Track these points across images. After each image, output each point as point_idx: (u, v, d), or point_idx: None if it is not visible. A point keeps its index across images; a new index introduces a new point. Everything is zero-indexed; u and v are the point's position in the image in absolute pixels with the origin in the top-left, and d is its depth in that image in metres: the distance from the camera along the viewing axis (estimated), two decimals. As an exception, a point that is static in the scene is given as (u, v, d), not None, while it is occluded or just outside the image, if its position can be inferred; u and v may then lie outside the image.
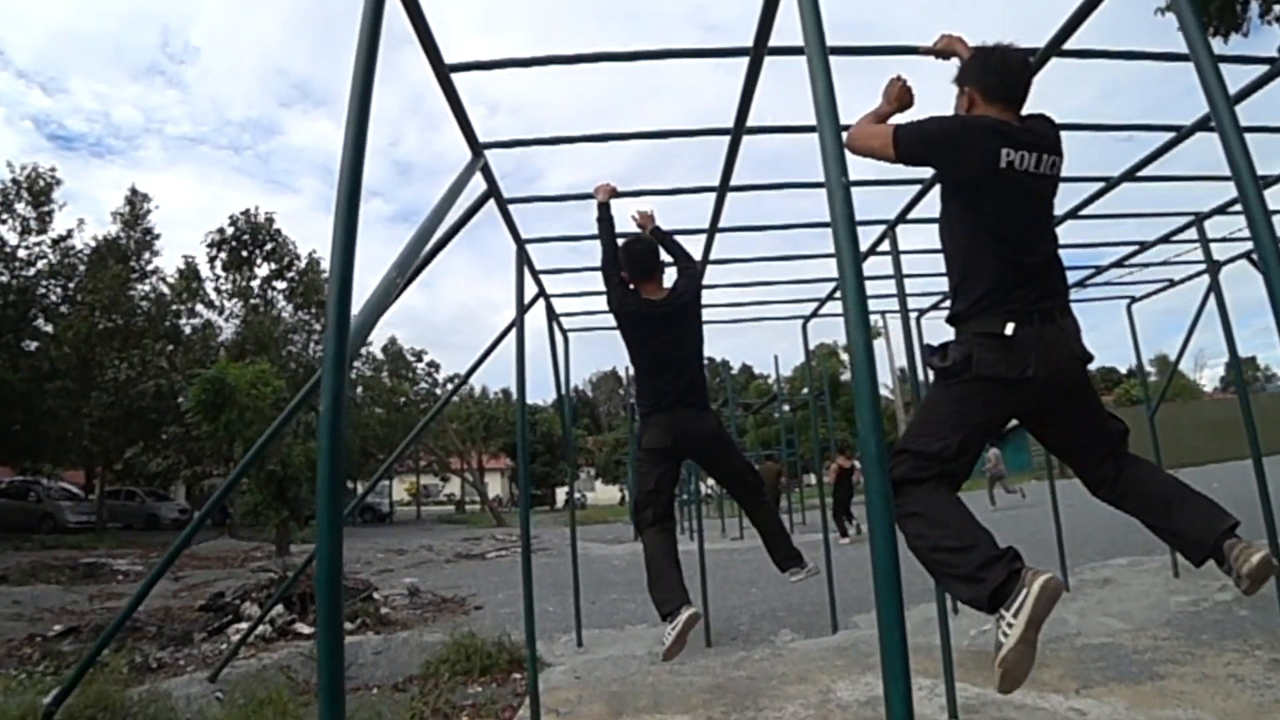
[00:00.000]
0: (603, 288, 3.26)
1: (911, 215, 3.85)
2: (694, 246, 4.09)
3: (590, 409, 56.56)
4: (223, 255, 21.50)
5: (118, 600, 8.50)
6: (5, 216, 17.83)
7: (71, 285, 18.81)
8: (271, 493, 11.42)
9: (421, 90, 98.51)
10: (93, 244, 19.34)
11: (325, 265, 20.02)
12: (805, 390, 21.16)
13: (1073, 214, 4.06)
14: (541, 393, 39.00)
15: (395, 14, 1.85)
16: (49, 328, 18.89)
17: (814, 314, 5.96)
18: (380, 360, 29.05)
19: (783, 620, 6.01)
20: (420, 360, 30.50)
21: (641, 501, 2.98)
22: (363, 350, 26.71)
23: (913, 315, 4.97)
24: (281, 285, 22.22)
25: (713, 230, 3.97)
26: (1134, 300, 6.92)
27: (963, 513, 1.72)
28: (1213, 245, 4.70)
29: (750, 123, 2.88)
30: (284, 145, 75.89)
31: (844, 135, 1.53)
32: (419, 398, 27.99)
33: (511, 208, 3.58)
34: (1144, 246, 5.04)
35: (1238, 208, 4.29)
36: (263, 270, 21.94)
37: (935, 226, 2.01)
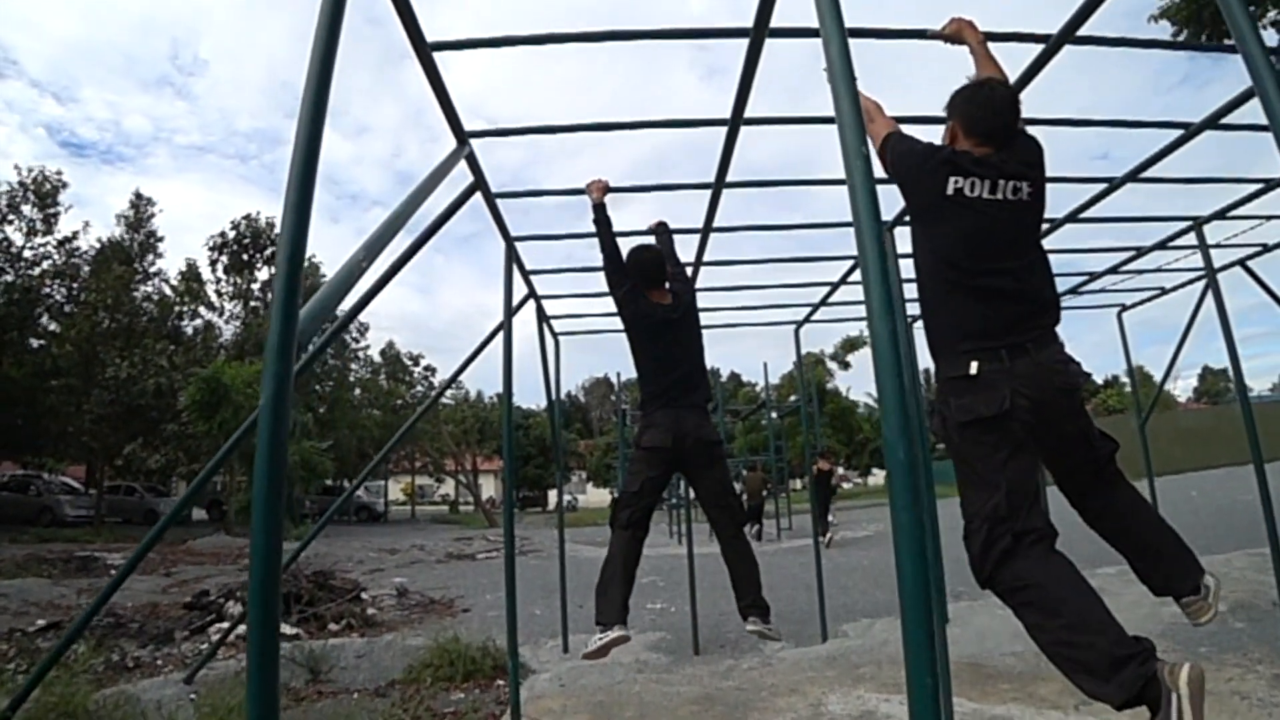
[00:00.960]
0: (597, 290, 3.19)
1: (908, 218, 3.78)
2: (687, 249, 4.07)
3: (582, 414, 56.53)
4: (224, 259, 21.85)
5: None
6: (12, 218, 18.10)
7: (76, 285, 19.09)
8: (263, 491, 11.33)
9: (420, 105, 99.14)
10: (97, 246, 19.62)
11: (325, 268, 20.09)
12: (793, 397, 21.18)
13: (1070, 219, 4.00)
14: (534, 397, 38.88)
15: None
16: (53, 326, 19.20)
17: (807, 319, 5.89)
18: (378, 363, 29.14)
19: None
20: (417, 364, 30.77)
21: (623, 501, 2.93)
22: (360, 353, 26.84)
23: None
24: (281, 288, 22.41)
25: (706, 230, 3.90)
26: (1125, 308, 6.84)
27: (1077, 591, 1.56)
28: (1212, 251, 4.63)
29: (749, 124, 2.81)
30: (289, 155, 76.36)
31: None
32: (415, 400, 28.10)
33: (506, 215, 3.58)
34: (1140, 252, 4.93)
35: (1237, 212, 4.24)
36: (263, 273, 22.12)
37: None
